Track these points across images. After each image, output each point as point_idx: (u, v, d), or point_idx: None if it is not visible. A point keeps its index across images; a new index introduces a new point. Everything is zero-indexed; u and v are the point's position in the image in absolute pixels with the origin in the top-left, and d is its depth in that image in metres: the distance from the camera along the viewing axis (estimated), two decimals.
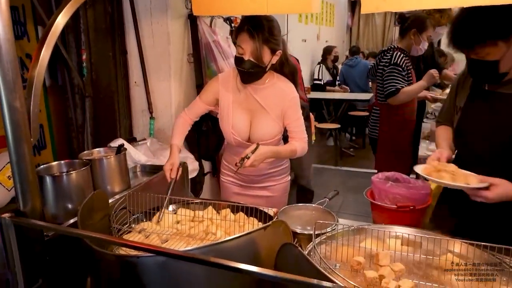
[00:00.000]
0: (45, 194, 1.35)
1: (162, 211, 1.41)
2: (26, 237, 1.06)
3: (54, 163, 1.51)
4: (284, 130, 1.94)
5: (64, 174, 1.42)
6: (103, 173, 1.58)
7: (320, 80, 6.80)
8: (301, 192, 3.76)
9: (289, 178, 2.12)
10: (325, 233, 1.24)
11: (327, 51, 6.89)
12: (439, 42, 5.11)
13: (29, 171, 1.05)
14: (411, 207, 1.61)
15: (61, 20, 1.14)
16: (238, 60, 1.75)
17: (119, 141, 2.05)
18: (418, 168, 1.50)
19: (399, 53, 2.89)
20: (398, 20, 3.12)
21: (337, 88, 6.93)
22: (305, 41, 6.86)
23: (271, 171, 1.99)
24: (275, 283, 0.80)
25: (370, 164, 4.02)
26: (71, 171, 1.44)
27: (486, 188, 1.28)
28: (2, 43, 0.95)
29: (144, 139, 2.48)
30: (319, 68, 6.85)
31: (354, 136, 7.00)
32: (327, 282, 0.73)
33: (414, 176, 2.29)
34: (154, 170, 2.02)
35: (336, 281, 0.79)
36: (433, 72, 2.94)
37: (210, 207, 1.45)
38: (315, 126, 3.97)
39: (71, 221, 1.31)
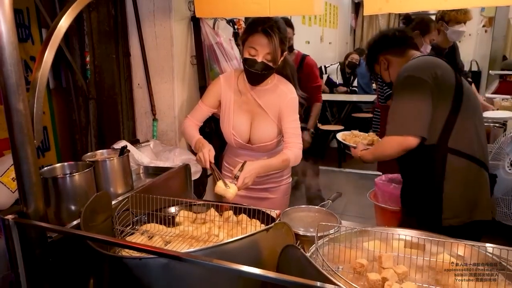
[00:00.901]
0: (49, 196, 1.36)
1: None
2: (29, 238, 1.07)
3: (58, 165, 1.51)
4: None
5: (67, 176, 1.43)
6: (106, 174, 1.59)
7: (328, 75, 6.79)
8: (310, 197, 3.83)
9: (290, 180, 2.11)
10: (328, 235, 1.24)
11: (347, 55, 6.89)
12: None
13: (32, 174, 1.06)
14: None
15: (65, 22, 1.14)
16: (251, 62, 1.71)
17: (122, 143, 2.06)
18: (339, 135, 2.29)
19: None
20: (403, 21, 3.11)
21: (340, 88, 6.94)
22: (308, 42, 6.86)
23: (272, 173, 1.98)
24: (278, 285, 0.80)
25: (373, 166, 4.01)
26: (75, 173, 1.45)
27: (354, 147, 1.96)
28: (6, 46, 0.95)
29: (147, 141, 2.48)
30: (336, 68, 6.83)
31: None
32: (330, 285, 0.72)
33: None
34: (157, 171, 2.02)
35: (339, 283, 0.78)
36: None
37: (213, 209, 1.45)
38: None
39: (74, 222, 1.32)
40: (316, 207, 1.55)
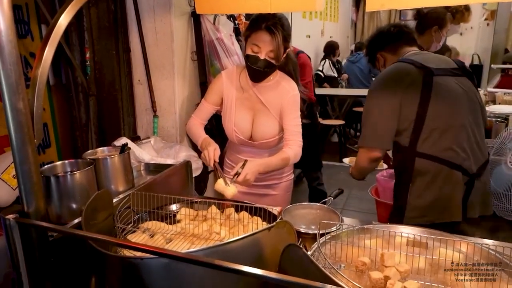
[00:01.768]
0: (49, 194, 1.35)
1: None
2: (30, 238, 1.06)
3: (58, 163, 1.51)
4: None
5: (68, 174, 1.42)
6: (107, 172, 1.58)
7: (322, 71, 6.78)
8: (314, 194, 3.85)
9: (292, 176, 2.11)
10: (329, 232, 1.24)
11: (332, 48, 6.86)
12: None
13: (33, 172, 1.05)
14: None
15: (65, 19, 1.13)
16: (253, 59, 1.70)
17: (123, 140, 2.05)
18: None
19: None
20: (415, 17, 3.05)
21: (343, 76, 6.99)
22: (309, 37, 6.83)
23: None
24: (280, 284, 0.80)
25: None
26: (75, 171, 1.44)
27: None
28: (5, 44, 0.94)
29: (148, 138, 2.48)
30: (324, 64, 6.82)
31: (358, 132, 6.98)
32: (331, 286, 0.72)
33: None
34: (158, 168, 2.01)
35: (341, 283, 0.78)
36: None
37: (214, 206, 1.45)
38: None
39: (76, 221, 1.31)
40: (318, 204, 1.54)
